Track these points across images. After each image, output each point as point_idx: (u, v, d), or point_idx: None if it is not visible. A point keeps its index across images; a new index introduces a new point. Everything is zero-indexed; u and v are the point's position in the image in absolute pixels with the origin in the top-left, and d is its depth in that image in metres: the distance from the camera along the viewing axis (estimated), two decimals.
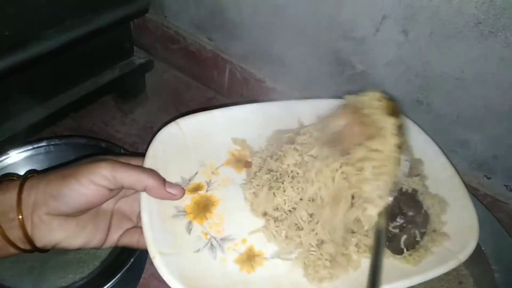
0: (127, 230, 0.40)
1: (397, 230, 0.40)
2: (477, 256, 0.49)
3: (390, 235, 0.39)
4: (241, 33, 0.70)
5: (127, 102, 0.70)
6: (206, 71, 0.79)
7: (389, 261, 0.39)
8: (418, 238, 0.39)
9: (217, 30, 0.72)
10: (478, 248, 0.49)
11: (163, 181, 0.39)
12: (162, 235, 0.36)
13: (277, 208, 0.39)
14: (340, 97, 0.43)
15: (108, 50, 0.64)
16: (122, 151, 0.52)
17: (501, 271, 0.47)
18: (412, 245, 0.40)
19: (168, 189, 0.39)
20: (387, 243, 0.40)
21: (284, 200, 0.38)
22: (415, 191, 0.41)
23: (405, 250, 0.39)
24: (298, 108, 0.48)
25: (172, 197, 0.39)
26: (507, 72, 0.49)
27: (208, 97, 0.80)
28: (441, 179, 0.44)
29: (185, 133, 0.44)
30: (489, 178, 0.58)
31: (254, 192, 0.40)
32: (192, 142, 0.44)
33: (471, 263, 0.52)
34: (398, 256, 0.39)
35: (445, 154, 0.46)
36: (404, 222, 0.40)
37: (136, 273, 0.52)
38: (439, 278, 0.51)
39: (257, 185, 0.40)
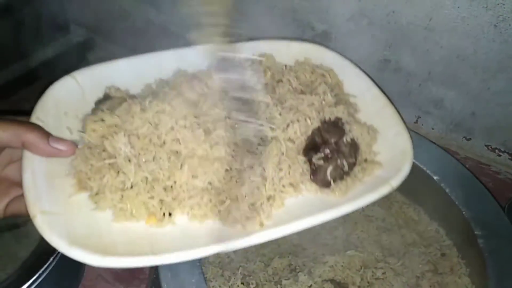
0: (15, 197, 0.39)
1: (321, 162, 0.40)
2: (458, 223, 0.50)
3: (314, 167, 0.40)
4: None
5: None
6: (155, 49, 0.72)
7: (316, 195, 0.41)
8: (346, 169, 0.40)
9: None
10: (459, 214, 0.46)
11: (46, 135, 0.38)
12: (48, 193, 0.36)
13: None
14: None
15: (38, 26, 0.56)
16: None
17: (484, 236, 0.47)
18: (340, 176, 0.40)
19: (54, 144, 0.37)
20: (312, 176, 0.41)
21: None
22: (337, 119, 0.43)
23: (332, 182, 0.40)
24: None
25: (60, 154, 0.38)
26: (478, 16, 0.50)
27: None
28: (374, 110, 0.47)
29: (84, 87, 0.44)
30: (468, 140, 0.55)
31: None
32: (92, 95, 0.44)
33: (452, 230, 0.53)
34: (325, 190, 0.40)
35: (378, 86, 0.48)
36: (328, 151, 0.40)
37: (71, 275, 0.51)
38: (419, 252, 0.52)
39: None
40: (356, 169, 0.41)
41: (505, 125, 0.56)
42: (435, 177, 0.50)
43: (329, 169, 0.39)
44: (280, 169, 0.39)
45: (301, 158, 0.41)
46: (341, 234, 0.52)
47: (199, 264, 0.39)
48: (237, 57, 0.40)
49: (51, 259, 0.42)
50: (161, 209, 0.38)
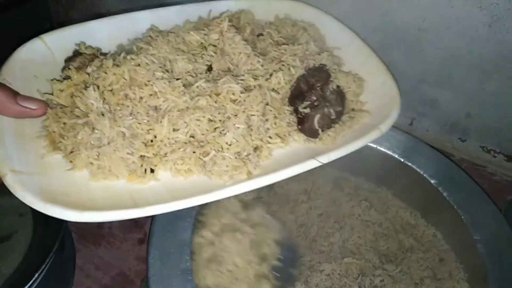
0: None
1: (308, 110, 0.40)
2: (456, 227, 0.50)
3: (301, 116, 0.40)
4: None
5: None
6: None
7: (304, 145, 0.41)
8: (333, 117, 0.40)
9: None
10: (457, 218, 0.51)
11: (14, 94, 0.37)
12: (19, 154, 0.35)
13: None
14: None
15: (22, 31, 0.54)
16: None
17: (483, 241, 0.47)
18: (328, 125, 0.40)
19: (23, 103, 0.36)
20: (299, 126, 0.41)
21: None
22: (322, 65, 0.43)
23: (320, 131, 0.40)
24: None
25: (30, 113, 0.37)
26: (472, 16, 0.51)
27: None
28: (359, 62, 0.47)
29: (54, 50, 0.43)
30: (463, 141, 0.55)
31: None
32: (62, 58, 0.43)
33: (449, 235, 0.52)
34: (313, 139, 0.41)
35: (361, 38, 0.49)
36: (314, 98, 0.40)
37: None
38: (417, 258, 0.53)
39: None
40: (344, 117, 0.42)
41: (500, 126, 0.57)
42: (432, 181, 0.51)
43: (316, 117, 0.40)
44: (266, 120, 0.40)
45: (287, 108, 0.42)
46: (337, 240, 0.52)
47: (191, 278, 0.38)
48: None
49: (36, 275, 0.40)
50: (142, 165, 0.38)
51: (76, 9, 0.80)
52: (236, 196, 0.48)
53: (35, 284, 0.42)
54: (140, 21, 0.47)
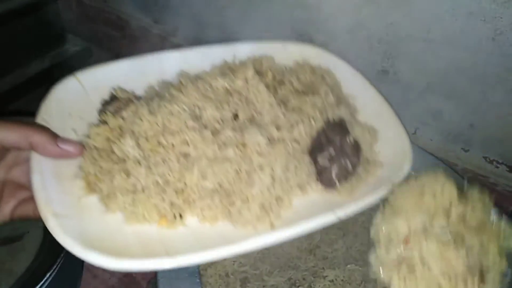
0: (22, 200, 0.40)
1: (326, 162, 0.42)
2: None
3: (320, 168, 0.42)
4: (188, 9, 0.64)
5: None
6: None
7: (322, 195, 0.42)
8: (350, 169, 0.42)
9: (162, 10, 0.66)
10: None
11: (54, 136, 0.38)
12: (58, 196, 0.36)
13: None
14: None
15: (35, 36, 0.57)
16: None
17: None
18: (345, 176, 0.42)
19: (61, 145, 0.38)
20: (317, 177, 0.43)
21: None
22: (341, 119, 0.44)
23: (337, 182, 0.42)
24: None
25: (68, 155, 0.39)
26: (476, 28, 0.51)
27: None
28: (372, 111, 0.49)
29: (87, 88, 0.45)
30: (466, 151, 0.57)
31: None
32: (96, 96, 0.45)
33: None
34: (331, 190, 0.42)
35: (375, 87, 0.51)
36: (332, 151, 0.42)
37: None
38: None
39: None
40: (359, 169, 0.44)
41: (503, 137, 0.58)
42: None
43: (334, 169, 0.42)
44: (287, 170, 0.42)
45: (307, 158, 0.43)
46: (341, 247, 0.52)
47: (199, 281, 0.39)
48: None
49: (48, 275, 0.41)
50: (171, 210, 0.40)
51: (87, 15, 0.83)
52: None
53: (46, 284, 0.43)
54: (168, 61, 0.49)
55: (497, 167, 0.61)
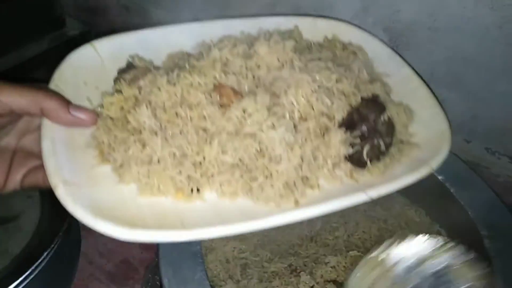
0: (32, 168, 0.39)
1: (358, 141, 0.40)
2: (462, 224, 0.49)
3: (351, 146, 0.40)
4: None
5: None
6: None
7: (350, 175, 0.40)
8: (383, 149, 0.40)
9: None
10: (464, 214, 0.49)
11: (67, 103, 0.37)
12: (69, 163, 0.35)
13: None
14: None
15: (34, 18, 0.56)
16: None
17: (490, 237, 0.46)
18: (377, 156, 0.40)
19: (74, 113, 0.37)
20: (347, 155, 0.40)
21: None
22: (375, 96, 0.42)
23: (368, 162, 0.39)
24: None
25: (80, 123, 0.38)
26: (483, 16, 0.50)
27: None
28: (407, 91, 0.46)
29: (103, 57, 0.43)
30: (468, 142, 0.56)
31: None
32: (112, 65, 0.43)
33: (454, 232, 0.52)
34: (360, 170, 0.40)
35: (410, 66, 0.49)
36: (365, 129, 0.39)
37: (63, 274, 0.50)
38: None
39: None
40: (393, 149, 0.41)
41: (505, 128, 0.57)
42: (439, 177, 0.51)
43: (366, 148, 0.39)
44: (317, 149, 0.39)
45: (338, 136, 0.40)
46: (342, 234, 0.52)
47: (202, 261, 0.38)
48: None
49: (44, 255, 0.40)
50: (188, 184, 0.38)
51: None
52: None
53: (42, 265, 0.42)
54: (190, 32, 0.47)
55: (499, 158, 0.60)
